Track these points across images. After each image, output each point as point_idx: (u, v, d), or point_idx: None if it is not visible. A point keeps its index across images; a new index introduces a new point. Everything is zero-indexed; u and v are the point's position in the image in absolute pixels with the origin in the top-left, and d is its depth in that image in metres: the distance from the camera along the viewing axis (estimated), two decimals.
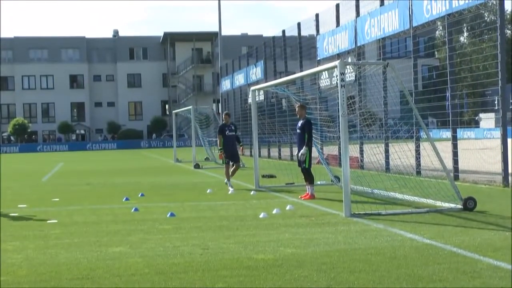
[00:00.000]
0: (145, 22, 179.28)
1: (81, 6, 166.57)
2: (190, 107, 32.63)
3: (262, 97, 36.52)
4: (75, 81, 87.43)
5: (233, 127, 18.21)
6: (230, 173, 17.85)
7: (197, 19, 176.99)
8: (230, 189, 17.02)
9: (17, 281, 7.07)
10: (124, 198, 15.50)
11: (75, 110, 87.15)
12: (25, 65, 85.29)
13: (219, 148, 18.27)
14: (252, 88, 19.28)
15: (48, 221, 11.85)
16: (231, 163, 18.00)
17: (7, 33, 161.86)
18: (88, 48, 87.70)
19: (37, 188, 19.76)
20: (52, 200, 15.92)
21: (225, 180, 18.05)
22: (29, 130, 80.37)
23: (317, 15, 27.92)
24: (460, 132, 36.68)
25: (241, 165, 27.94)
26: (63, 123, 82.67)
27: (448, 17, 18.18)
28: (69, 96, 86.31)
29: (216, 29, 59.67)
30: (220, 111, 53.19)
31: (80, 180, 22.67)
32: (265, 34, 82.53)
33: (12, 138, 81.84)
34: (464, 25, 56.81)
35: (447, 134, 24.04)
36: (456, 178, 17.63)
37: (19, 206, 14.67)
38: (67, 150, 72.43)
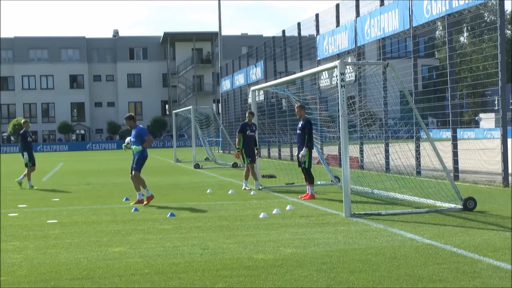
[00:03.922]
0: (145, 22, 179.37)
1: (81, 6, 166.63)
2: (190, 107, 32.63)
3: (262, 97, 36.53)
4: (75, 81, 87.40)
5: (254, 128, 17.61)
6: (252, 174, 17.53)
7: (197, 19, 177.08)
8: (247, 187, 17.08)
9: (17, 281, 7.08)
10: (124, 198, 15.50)
11: (75, 110, 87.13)
12: (25, 65, 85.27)
13: (237, 147, 17.63)
14: (252, 88, 19.28)
15: (48, 221, 11.86)
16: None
17: (7, 33, 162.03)
18: (88, 48, 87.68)
19: (37, 188, 19.74)
20: (52, 200, 15.94)
21: (243, 183, 17.59)
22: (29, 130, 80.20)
23: (317, 15, 27.92)
24: (460, 132, 36.67)
25: (240, 165, 28.10)
26: (63, 123, 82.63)
27: (448, 17, 18.18)
28: (69, 96, 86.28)
29: (216, 29, 59.74)
30: (220, 111, 53.20)
31: (80, 180, 22.67)
32: (265, 34, 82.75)
33: (12, 138, 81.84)
34: (464, 25, 56.80)
35: (447, 134, 24.05)
36: (456, 178, 17.63)
37: (19, 206, 14.68)
38: (67, 150, 72.40)
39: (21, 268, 7.73)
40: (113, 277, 7.13)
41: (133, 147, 14.53)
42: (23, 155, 19.91)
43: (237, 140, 17.64)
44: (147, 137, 14.44)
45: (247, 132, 17.43)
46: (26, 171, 20.02)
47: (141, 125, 14.87)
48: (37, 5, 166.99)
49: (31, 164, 19.97)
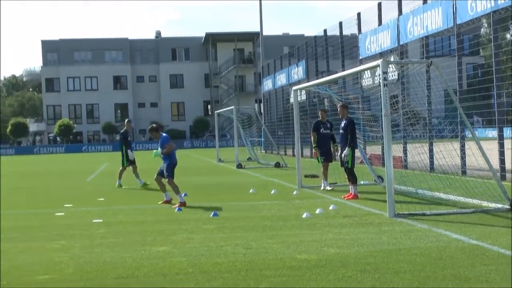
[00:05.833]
0: (187, 23, 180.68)
1: (124, 8, 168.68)
2: (232, 107, 32.74)
3: (304, 97, 36.41)
4: (118, 82, 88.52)
5: (328, 125, 17.23)
6: (323, 173, 17.31)
7: (238, 19, 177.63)
8: (327, 187, 16.95)
9: (64, 279, 7.20)
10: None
11: (118, 111, 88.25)
12: (70, 67, 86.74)
13: (313, 145, 17.35)
14: (294, 88, 19.24)
15: (94, 221, 12.02)
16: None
17: (53, 36, 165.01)
18: (131, 49, 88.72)
19: (82, 188, 20.05)
20: (97, 200, 16.15)
21: (322, 182, 17.37)
22: (74, 131, 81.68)
23: (359, 14, 27.74)
24: (507, 131, 35.94)
25: (283, 165, 28.10)
26: (107, 123, 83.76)
27: (494, 14, 17.86)
28: (113, 97, 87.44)
29: (257, 29, 59.73)
30: (262, 111, 53.26)
31: (124, 180, 22.89)
32: (306, 34, 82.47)
33: (58, 138, 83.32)
34: (510, 22, 55.75)
35: (493, 133, 23.66)
36: (503, 178, 17.31)
37: (65, 205, 14.92)
38: (111, 150, 73.25)
39: (68, 266, 7.85)
40: (157, 276, 7.20)
41: (154, 151, 14.86)
42: (123, 154, 20.09)
43: (312, 138, 17.34)
44: (167, 144, 14.60)
45: (321, 130, 17.07)
46: (132, 169, 20.18)
47: (164, 134, 14.99)
48: (82, 8, 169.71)
49: (128, 163, 20.13)
